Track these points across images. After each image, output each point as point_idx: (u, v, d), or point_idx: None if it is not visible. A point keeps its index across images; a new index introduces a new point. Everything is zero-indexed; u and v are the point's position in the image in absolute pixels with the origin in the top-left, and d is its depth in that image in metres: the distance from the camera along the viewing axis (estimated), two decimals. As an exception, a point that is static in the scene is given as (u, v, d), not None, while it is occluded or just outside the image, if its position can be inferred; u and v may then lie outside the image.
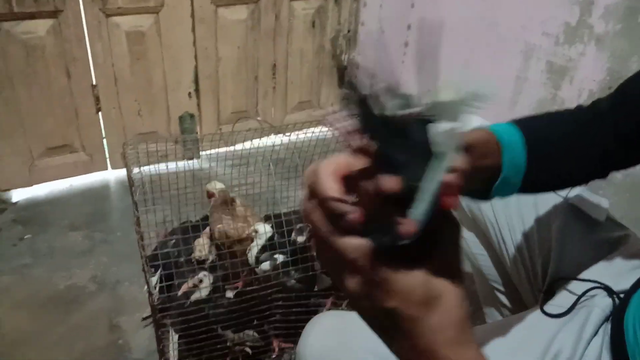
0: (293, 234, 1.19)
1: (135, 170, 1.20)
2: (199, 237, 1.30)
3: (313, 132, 1.44)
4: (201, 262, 1.30)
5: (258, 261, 1.21)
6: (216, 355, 1.12)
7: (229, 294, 1.19)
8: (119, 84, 1.91)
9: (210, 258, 1.31)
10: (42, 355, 1.28)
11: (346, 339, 0.83)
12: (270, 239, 1.22)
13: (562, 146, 0.64)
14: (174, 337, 1.15)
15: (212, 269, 1.20)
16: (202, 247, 1.29)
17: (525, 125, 0.61)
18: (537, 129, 0.63)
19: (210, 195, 1.42)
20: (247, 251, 1.28)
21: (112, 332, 1.36)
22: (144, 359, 1.28)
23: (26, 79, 1.73)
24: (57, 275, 1.55)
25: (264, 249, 1.23)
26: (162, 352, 1.13)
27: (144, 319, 1.39)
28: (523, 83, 1.66)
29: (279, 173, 1.46)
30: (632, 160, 0.67)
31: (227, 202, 1.41)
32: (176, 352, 1.12)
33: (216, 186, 1.41)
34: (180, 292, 1.10)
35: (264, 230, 1.24)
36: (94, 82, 1.87)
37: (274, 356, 1.25)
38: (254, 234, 1.25)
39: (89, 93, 1.87)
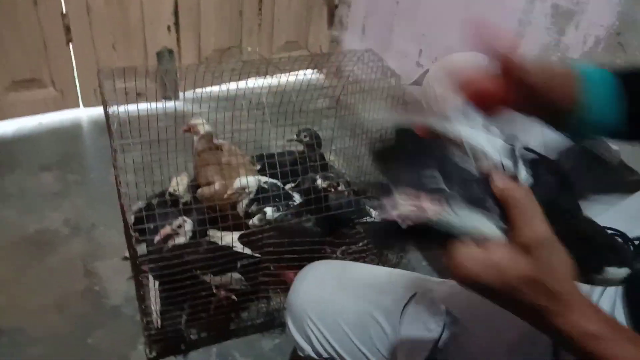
0: (318, 179, 1.12)
1: (113, 108, 1.09)
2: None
3: (303, 74, 1.34)
4: (175, 201, 1.22)
5: (248, 215, 1.14)
6: (200, 303, 1.07)
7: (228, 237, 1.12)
8: (92, 13, 1.75)
9: (186, 198, 1.24)
10: (14, 300, 1.21)
11: (340, 285, 0.79)
12: (260, 191, 1.15)
13: None
14: (154, 284, 1.08)
15: (187, 212, 1.12)
16: (177, 184, 1.21)
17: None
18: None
19: (191, 129, 1.31)
20: (237, 203, 1.20)
21: (88, 277, 1.29)
22: (122, 305, 1.22)
23: (-12, 3, 1.57)
24: (28, 217, 1.46)
25: (252, 202, 1.16)
26: (142, 298, 1.07)
27: (125, 259, 1.33)
28: (526, 27, 1.58)
29: (261, 118, 1.37)
30: None
31: (212, 148, 1.31)
32: (158, 300, 1.06)
33: (201, 122, 1.30)
34: (157, 238, 1.02)
35: (252, 183, 1.16)
36: (64, 11, 1.71)
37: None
38: (240, 191, 1.17)
39: (59, 22, 1.72)
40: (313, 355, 0.78)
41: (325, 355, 0.77)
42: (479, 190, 0.42)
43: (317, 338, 0.76)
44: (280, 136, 1.33)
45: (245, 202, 1.15)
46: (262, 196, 1.14)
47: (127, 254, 1.32)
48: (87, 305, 1.22)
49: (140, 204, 1.25)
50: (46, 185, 1.60)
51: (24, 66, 1.72)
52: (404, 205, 0.41)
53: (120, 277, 1.29)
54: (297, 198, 1.23)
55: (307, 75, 1.31)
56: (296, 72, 1.31)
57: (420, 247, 1.38)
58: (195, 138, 1.31)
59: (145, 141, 1.11)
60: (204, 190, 1.24)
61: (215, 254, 1.03)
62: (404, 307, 0.72)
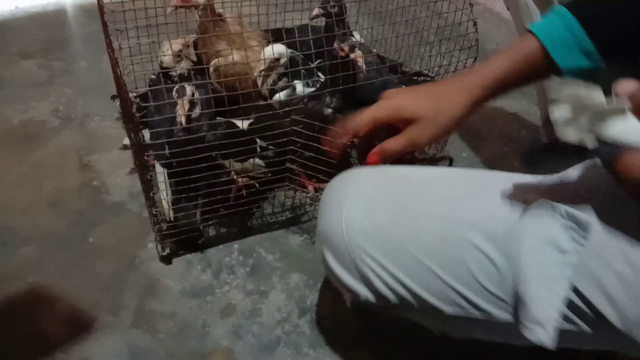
0: (335, 44, 0.90)
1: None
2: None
3: None
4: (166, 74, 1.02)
5: (275, 91, 0.95)
6: (216, 191, 0.90)
7: (239, 123, 0.94)
8: None
9: (180, 70, 1.04)
10: (5, 197, 1.05)
11: (403, 201, 0.59)
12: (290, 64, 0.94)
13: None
14: (164, 172, 0.91)
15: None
16: (168, 51, 1.00)
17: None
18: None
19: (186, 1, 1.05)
20: (259, 79, 1.00)
21: (84, 171, 1.12)
22: (126, 201, 1.06)
23: None
24: (10, 108, 1.27)
25: (282, 76, 0.96)
26: (149, 190, 0.89)
27: (124, 147, 1.16)
28: None
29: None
30: None
31: (215, 20, 1.08)
32: (169, 189, 0.89)
33: None
34: (179, 117, 0.82)
35: (283, 52, 0.95)
36: None
37: (307, 194, 1.04)
38: (272, 63, 0.96)
39: None
40: (373, 300, 0.59)
41: (394, 298, 0.57)
42: None
43: (379, 277, 0.56)
44: (293, 14, 1.11)
45: (274, 76, 0.94)
46: (291, 70, 0.94)
47: (125, 142, 1.15)
48: (85, 202, 1.05)
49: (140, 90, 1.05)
50: (29, 74, 1.40)
51: None
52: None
53: (120, 171, 1.12)
54: (322, 78, 1.03)
55: None
56: None
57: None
58: (195, 12, 1.07)
59: (141, 26, 0.88)
60: (219, 62, 1.03)
61: (236, 137, 0.85)
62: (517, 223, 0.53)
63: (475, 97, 0.57)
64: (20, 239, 0.96)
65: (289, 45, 1.06)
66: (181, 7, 1.03)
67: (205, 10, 1.06)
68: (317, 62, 1.12)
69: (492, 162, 1.23)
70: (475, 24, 0.94)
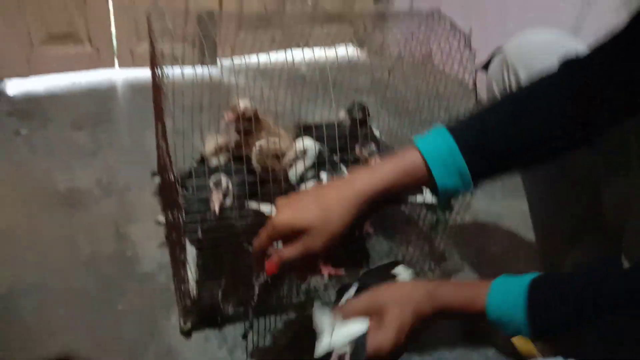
0: (357, 148, 1.02)
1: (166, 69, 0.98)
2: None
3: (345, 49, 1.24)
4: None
5: (302, 180, 1.06)
6: (240, 275, 0.98)
7: (267, 208, 1.04)
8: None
9: (216, 163, 1.15)
10: (42, 256, 1.14)
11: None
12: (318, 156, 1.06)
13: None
14: (193, 252, 1.00)
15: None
16: (212, 145, 1.11)
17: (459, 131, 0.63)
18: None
19: (234, 116, 1.14)
20: (289, 168, 1.11)
21: (119, 240, 1.22)
22: (155, 272, 1.15)
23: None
24: (58, 175, 1.39)
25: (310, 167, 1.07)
26: (178, 267, 0.99)
27: (159, 223, 1.26)
28: (591, 6, 1.45)
29: (300, 92, 1.27)
30: None
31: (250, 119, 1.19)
32: (195, 269, 0.98)
33: (247, 101, 1.15)
34: (214, 204, 0.93)
35: (311, 146, 1.07)
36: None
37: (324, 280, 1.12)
38: (298, 152, 1.08)
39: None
40: None
41: None
42: None
43: None
44: (319, 111, 1.24)
45: (301, 167, 1.05)
46: (317, 162, 1.05)
47: (160, 219, 1.25)
48: (117, 269, 1.15)
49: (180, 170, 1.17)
50: (78, 144, 1.54)
51: (61, 19, 1.65)
52: None
53: (152, 243, 1.22)
54: (345, 170, 1.15)
55: (347, 50, 1.21)
56: (337, 46, 1.21)
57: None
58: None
59: (195, 107, 1.01)
60: (264, 145, 1.12)
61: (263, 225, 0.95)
62: None
63: (361, 205, 0.63)
64: (56, 298, 1.05)
65: (317, 139, 1.19)
66: (234, 120, 1.14)
67: (250, 120, 1.17)
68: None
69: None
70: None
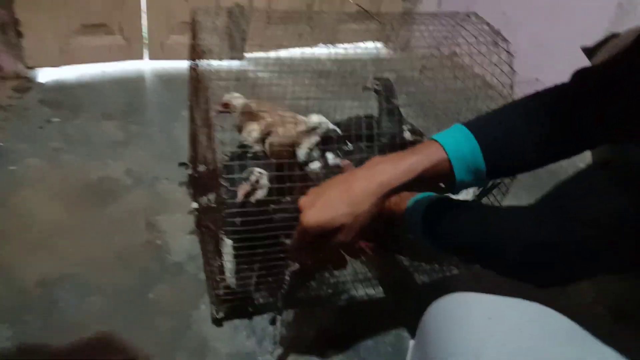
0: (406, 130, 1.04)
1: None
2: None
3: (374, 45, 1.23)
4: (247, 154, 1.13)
5: (309, 159, 1.06)
6: (273, 265, 1.00)
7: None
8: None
9: (256, 149, 1.15)
10: (77, 246, 1.17)
11: (529, 341, 0.62)
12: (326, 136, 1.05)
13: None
14: (228, 242, 1.02)
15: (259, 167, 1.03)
16: (250, 132, 1.10)
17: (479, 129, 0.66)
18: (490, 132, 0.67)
19: (225, 106, 1.16)
20: (297, 147, 1.09)
21: (150, 230, 1.24)
22: (185, 262, 1.17)
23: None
24: (91, 164, 1.42)
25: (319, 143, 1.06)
26: (210, 256, 1.00)
27: (191, 213, 1.28)
28: (628, 13, 1.44)
29: (322, 85, 1.28)
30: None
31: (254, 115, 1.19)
32: (232, 259, 0.99)
33: (237, 96, 1.16)
34: (239, 196, 0.95)
35: (319, 120, 1.06)
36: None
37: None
38: (311, 130, 1.06)
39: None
40: None
41: None
42: None
43: None
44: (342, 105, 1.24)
45: (311, 142, 1.05)
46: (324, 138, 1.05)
47: (194, 205, 1.27)
48: (148, 259, 1.17)
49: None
50: (109, 134, 1.56)
51: (95, 10, 1.68)
52: None
53: (182, 233, 1.24)
54: (350, 146, 1.13)
55: (375, 46, 1.21)
56: (364, 43, 1.21)
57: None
58: (235, 115, 1.17)
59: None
60: (272, 139, 1.13)
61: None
62: None
63: (384, 197, 0.66)
64: (89, 288, 1.07)
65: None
66: (223, 111, 1.16)
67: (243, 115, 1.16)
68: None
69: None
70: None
